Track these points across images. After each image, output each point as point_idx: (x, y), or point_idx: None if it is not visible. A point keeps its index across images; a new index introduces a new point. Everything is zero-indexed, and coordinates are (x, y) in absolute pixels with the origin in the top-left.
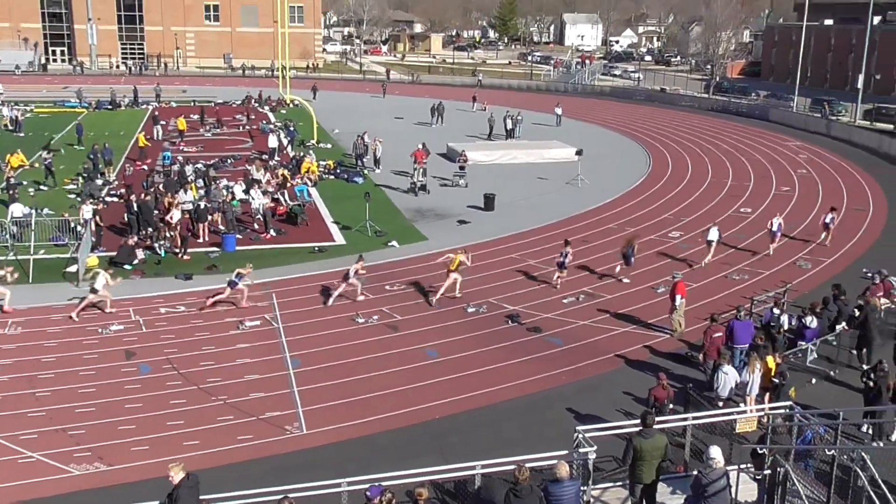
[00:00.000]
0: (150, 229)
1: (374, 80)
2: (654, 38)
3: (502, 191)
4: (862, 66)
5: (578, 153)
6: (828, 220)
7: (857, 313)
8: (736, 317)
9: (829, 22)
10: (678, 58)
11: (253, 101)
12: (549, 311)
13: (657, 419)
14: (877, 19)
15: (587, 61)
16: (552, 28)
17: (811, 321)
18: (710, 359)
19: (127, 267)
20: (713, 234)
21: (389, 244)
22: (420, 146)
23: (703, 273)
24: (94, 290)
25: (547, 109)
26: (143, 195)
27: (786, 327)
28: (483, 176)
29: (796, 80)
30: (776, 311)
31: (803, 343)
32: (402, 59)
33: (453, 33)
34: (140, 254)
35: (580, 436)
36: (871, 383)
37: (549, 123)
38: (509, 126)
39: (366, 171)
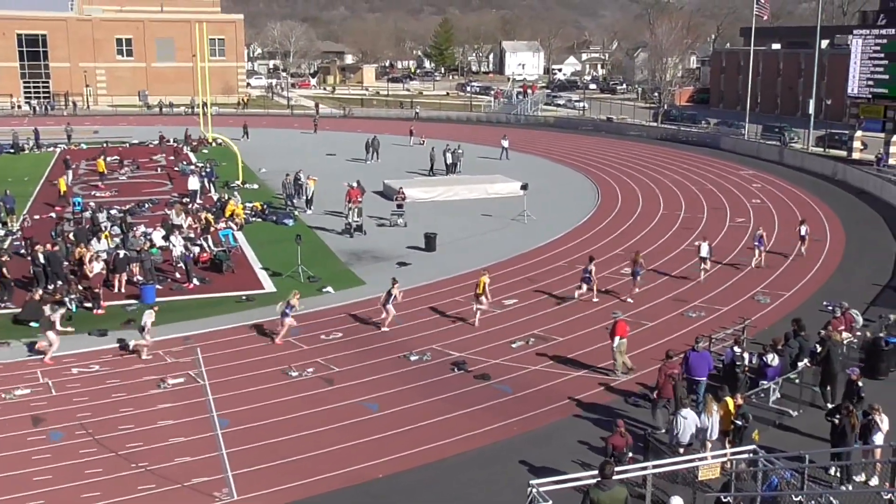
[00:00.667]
0: (59, 282)
1: (304, 115)
2: (599, 66)
3: (444, 229)
4: (812, 91)
5: (524, 188)
6: (803, 233)
7: (818, 349)
8: (693, 348)
9: (776, 46)
10: (624, 85)
11: (170, 140)
12: (497, 357)
13: (616, 469)
14: (824, 43)
15: (529, 91)
16: (491, 56)
17: (772, 359)
18: (664, 397)
19: (34, 325)
20: (704, 250)
21: (324, 290)
22: (354, 184)
23: (657, 310)
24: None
25: (490, 142)
26: (50, 245)
27: (748, 365)
28: (423, 214)
29: (746, 106)
30: (737, 349)
31: (765, 382)
32: (332, 93)
33: (386, 64)
34: (54, 310)
35: (534, 490)
36: (836, 422)
37: (493, 157)
38: (449, 160)
39: (297, 213)
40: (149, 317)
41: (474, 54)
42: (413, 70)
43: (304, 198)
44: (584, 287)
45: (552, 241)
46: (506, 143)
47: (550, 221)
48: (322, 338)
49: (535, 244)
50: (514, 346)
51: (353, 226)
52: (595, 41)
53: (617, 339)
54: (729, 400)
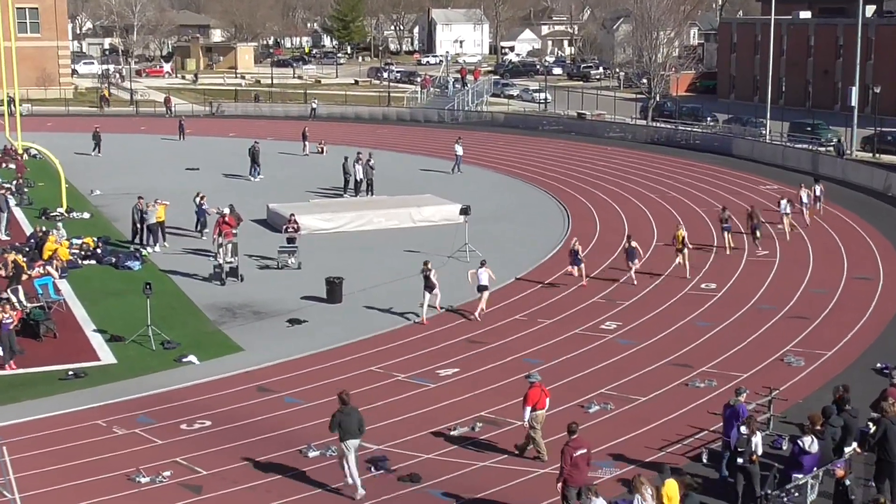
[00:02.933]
0: None
1: (154, 116)
2: (565, 42)
3: (353, 273)
4: (855, 76)
5: (464, 212)
6: (804, 199)
7: (871, 428)
8: (728, 403)
9: (805, 15)
10: (600, 69)
11: None
12: (430, 450)
13: None
14: (870, 10)
15: (470, 77)
16: (416, 31)
17: (809, 443)
18: (571, 487)
19: None
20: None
21: (184, 360)
22: (226, 210)
23: (652, 380)
24: None
25: (418, 148)
26: None
27: (759, 453)
28: (324, 251)
29: (766, 97)
30: (744, 430)
31: (800, 475)
32: (194, 82)
33: (270, 42)
34: None
35: None
36: None
37: (439, 169)
38: (360, 176)
39: (146, 252)
40: None
41: (393, 28)
42: (307, 50)
43: (149, 230)
44: (575, 269)
45: (503, 286)
46: (459, 150)
47: (503, 258)
48: (183, 428)
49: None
50: (453, 432)
51: (225, 269)
52: (559, 9)
53: (527, 409)
54: (671, 484)
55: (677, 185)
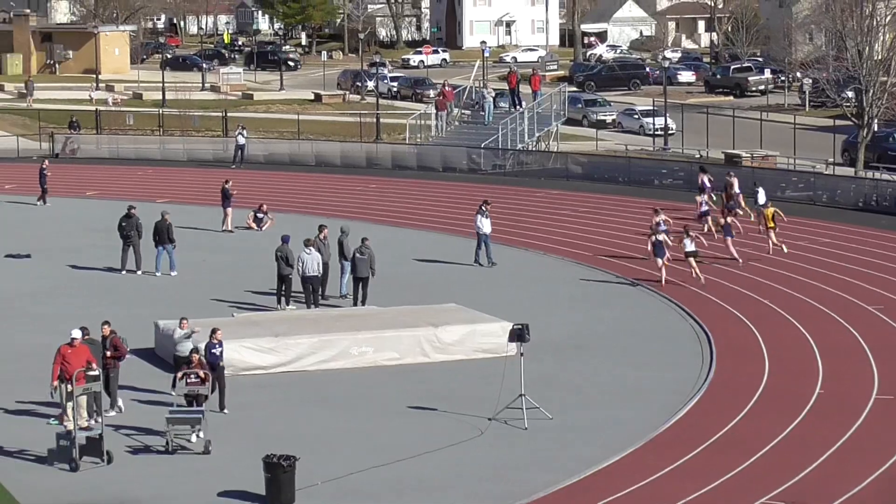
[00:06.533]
0: None
1: None
2: (700, 25)
3: (315, 452)
4: None
5: (519, 337)
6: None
7: None
8: None
9: None
10: (765, 74)
11: None
12: None
13: None
14: None
15: (527, 89)
16: (426, 6)
17: None
18: None
19: None
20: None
21: None
22: (77, 335)
23: None
24: None
25: (432, 219)
26: None
27: None
28: (260, 409)
29: None
30: None
31: None
32: (24, 97)
33: (158, 24)
34: None
35: None
36: None
37: (468, 260)
38: (347, 270)
39: None
40: None
41: (385, 2)
42: (228, 40)
43: None
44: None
45: (590, 474)
46: (485, 225)
47: (591, 422)
48: None
49: (548, 486)
50: None
51: (77, 441)
52: None
53: None
54: None
55: None
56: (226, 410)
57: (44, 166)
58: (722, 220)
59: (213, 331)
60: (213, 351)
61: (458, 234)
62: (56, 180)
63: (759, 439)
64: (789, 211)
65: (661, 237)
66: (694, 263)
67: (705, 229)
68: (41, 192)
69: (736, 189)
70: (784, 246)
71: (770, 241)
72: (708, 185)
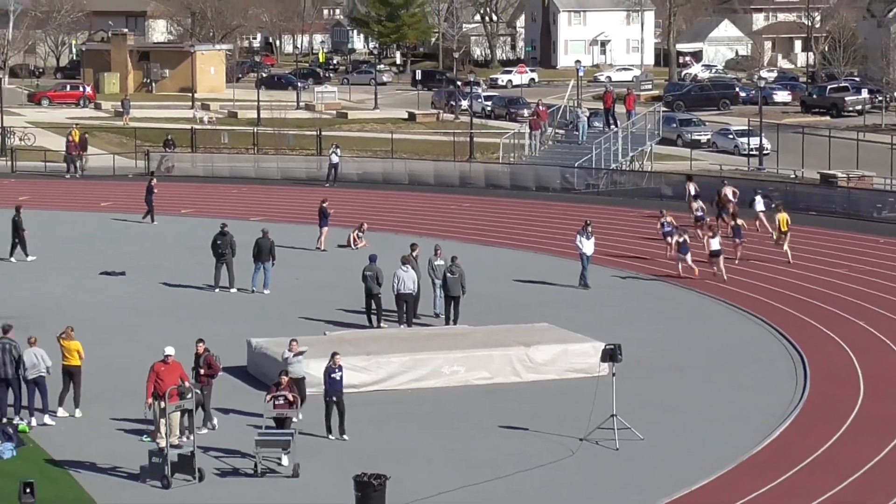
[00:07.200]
0: None
1: (49, 176)
2: (797, 45)
3: (408, 470)
4: None
5: (611, 357)
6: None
7: None
8: None
9: None
10: (863, 94)
11: None
12: None
13: None
14: None
15: (621, 108)
16: (523, 25)
17: None
18: None
19: None
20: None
21: None
22: (170, 351)
23: None
24: None
25: (523, 237)
26: None
27: None
28: (352, 426)
29: None
30: None
31: None
32: (120, 115)
33: (254, 42)
34: None
35: None
36: None
37: (562, 280)
38: (438, 294)
39: (22, 424)
40: None
41: (479, 19)
42: (323, 59)
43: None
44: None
45: (682, 495)
46: (587, 246)
47: (683, 442)
48: None
49: None
50: None
51: (169, 457)
52: None
53: None
54: None
55: None
56: (345, 436)
57: (152, 183)
58: (712, 224)
59: (333, 355)
60: (333, 376)
61: (550, 254)
62: (160, 194)
63: (854, 462)
64: (886, 232)
65: (685, 237)
66: (721, 263)
67: (700, 234)
68: (147, 210)
69: (730, 197)
70: (789, 253)
71: (786, 248)
72: (693, 192)
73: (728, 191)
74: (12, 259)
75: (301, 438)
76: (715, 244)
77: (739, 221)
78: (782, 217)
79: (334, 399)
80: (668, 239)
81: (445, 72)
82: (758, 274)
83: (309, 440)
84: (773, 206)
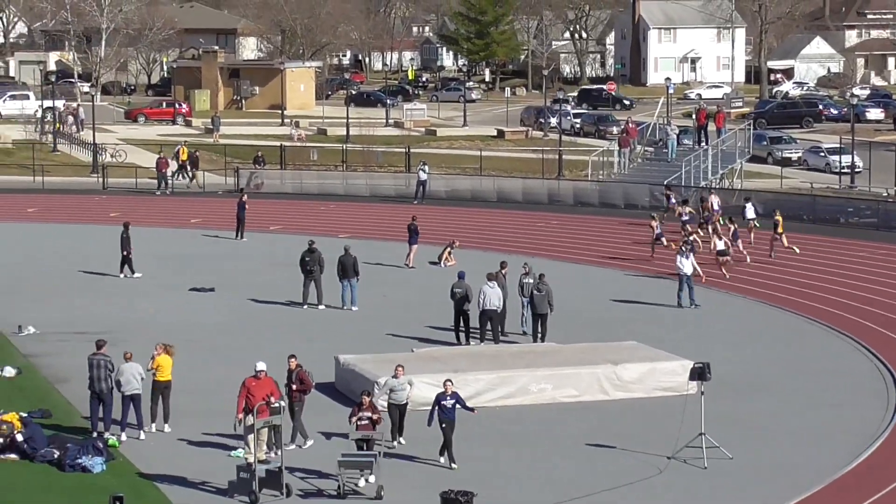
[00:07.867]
0: None
1: (138, 193)
2: (891, 62)
3: (497, 487)
4: None
5: (700, 375)
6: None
7: None
8: None
9: None
10: None
11: None
12: None
13: None
14: None
15: (709, 123)
16: (614, 40)
17: None
18: None
19: None
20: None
21: None
22: (262, 367)
23: None
24: None
25: (610, 255)
26: None
27: None
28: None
29: None
30: None
31: None
32: (211, 132)
33: (344, 60)
34: None
35: None
36: None
37: (650, 298)
38: (527, 312)
39: (112, 439)
40: None
41: (569, 36)
42: (412, 76)
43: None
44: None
45: None
46: (686, 265)
47: (772, 462)
48: None
49: None
50: None
51: (257, 473)
52: None
53: None
54: None
55: None
56: (454, 465)
57: (243, 199)
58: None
59: (446, 382)
60: (444, 403)
61: (637, 272)
62: (250, 211)
63: None
64: None
65: (693, 237)
66: (723, 262)
67: (692, 237)
68: (237, 226)
69: (715, 206)
70: (796, 247)
71: (783, 245)
72: (673, 201)
73: (714, 200)
74: (122, 275)
75: (388, 460)
76: (720, 244)
77: (693, 237)
78: (779, 220)
79: (443, 426)
80: (661, 240)
81: (602, 90)
82: (839, 290)
83: (394, 462)
84: (773, 213)
